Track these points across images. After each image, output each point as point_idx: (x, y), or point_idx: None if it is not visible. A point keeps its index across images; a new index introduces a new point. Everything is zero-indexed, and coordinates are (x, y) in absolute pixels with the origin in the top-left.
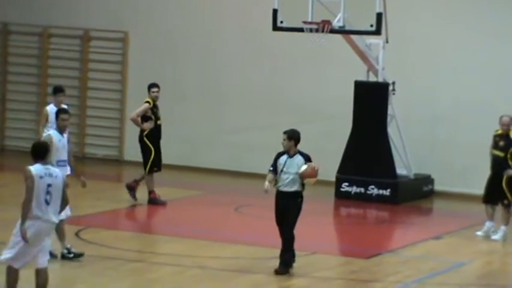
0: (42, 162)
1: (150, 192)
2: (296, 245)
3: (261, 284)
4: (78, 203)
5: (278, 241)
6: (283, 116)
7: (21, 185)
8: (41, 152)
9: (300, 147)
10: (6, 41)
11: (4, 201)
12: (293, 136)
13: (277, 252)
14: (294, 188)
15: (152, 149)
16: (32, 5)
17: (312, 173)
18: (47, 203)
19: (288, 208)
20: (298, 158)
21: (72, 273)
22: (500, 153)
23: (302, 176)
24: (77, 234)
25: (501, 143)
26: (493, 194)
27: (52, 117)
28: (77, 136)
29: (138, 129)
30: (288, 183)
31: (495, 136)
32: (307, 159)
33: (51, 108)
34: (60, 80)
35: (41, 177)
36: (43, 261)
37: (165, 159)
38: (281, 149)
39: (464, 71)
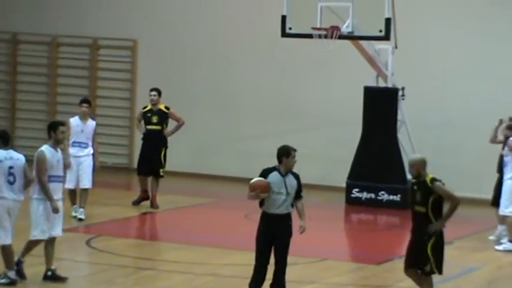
0: (3, 148)
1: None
2: (307, 251)
3: None
4: (88, 211)
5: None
6: (292, 123)
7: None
8: (3, 138)
9: (309, 154)
10: (16, 51)
11: None
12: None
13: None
14: (287, 210)
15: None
16: (41, 15)
17: (266, 187)
18: (10, 183)
19: (283, 233)
20: (291, 178)
21: (83, 282)
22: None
23: (256, 187)
24: (87, 242)
25: None
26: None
27: (74, 129)
28: None
29: None
30: (280, 204)
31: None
32: (297, 178)
33: (74, 121)
34: (70, 89)
35: (0, 161)
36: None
37: (175, 166)
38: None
39: (473, 77)
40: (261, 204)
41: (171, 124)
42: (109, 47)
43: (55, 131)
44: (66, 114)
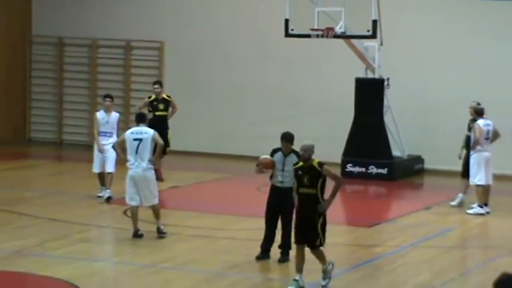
0: (136, 125)
1: None
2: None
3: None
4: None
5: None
6: (294, 109)
7: (76, 172)
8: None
9: (309, 135)
10: (62, 52)
11: (63, 186)
12: (292, 139)
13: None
14: (289, 184)
15: None
16: (82, 21)
17: (269, 164)
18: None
19: (285, 203)
20: (294, 157)
21: (123, 244)
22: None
23: (260, 164)
24: (124, 212)
25: (471, 125)
26: (467, 169)
27: (100, 121)
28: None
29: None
30: (281, 179)
31: (469, 121)
32: (299, 156)
33: (99, 114)
34: (107, 84)
35: (131, 133)
36: None
37: (197, 147)
38: (297, 137)
39: (449, 68)
40: (271, 178)
41: None
42: (140, 48)
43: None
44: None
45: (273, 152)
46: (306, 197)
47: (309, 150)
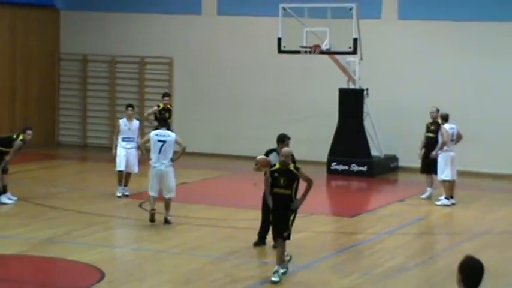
0: (160, 128)
1: None
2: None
3: None
4: (139, 183)
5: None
6: (286, 115)
7: (99, 171)
8: (159, 121)
9: (299, 137)
10: (85, 68)
11: (87, 183)
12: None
13: None
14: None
15: None
16: (103, 40)
17: (266, 163)
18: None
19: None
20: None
21: (137, 231)
22: (432, 135)
23: (258, 163)
24: (140, 205)
25: (432, 127)
26: (426, 166)
27: (122, 128)
28: None
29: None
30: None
31: (427, 124)
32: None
33: (122, 121)
34: (124, 94)
35: (156, 135)
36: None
37: (201, 149)
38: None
39: (419, 79)
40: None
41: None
42: (152, 63)
43: None
44: (122, 113)
45: (268, 153)
46: (282, 197)
47: (289, 156)
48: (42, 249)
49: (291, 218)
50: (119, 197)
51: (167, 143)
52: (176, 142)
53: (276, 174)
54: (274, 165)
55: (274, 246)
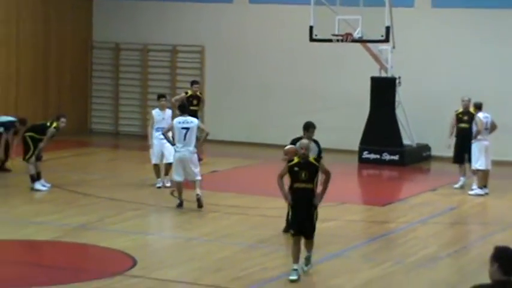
0: (181, 115)
1: None
2: (330, 197)
3: None
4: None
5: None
6: (318, 103)
7: (131, 158)
8: (180, 108)
9: (331, 126)
10: (118, 56)
11: (119, 170)
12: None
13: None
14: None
15: None
16: (135, 29)
17: (295, 152)
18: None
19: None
20: (313, 144)
21: (169, 219)
22: (465, 125)
23: (288, 153)
24: (171, 193)
25: (465, 118)
26: (460, 156)
27: (156, 118)
28: None
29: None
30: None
31: (458, 114)
32: (318, 144)
33: (155, 112)
34: (156, 83)
35: (179, 122)
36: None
37: (232, 137)
38: (320, 128)
39: (451, 68)
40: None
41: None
42: (184, 51)
43: None
44: (154, 101)
45: (294, 141)
46: (304, 192)
47: (308, 147)
48: (75, 235)
49: (316, 214)
50: (159, 187)
51: (190, 130)
52: (199, 128)
53: (296, 169)
54: (293, 159)
55: (286, 231)
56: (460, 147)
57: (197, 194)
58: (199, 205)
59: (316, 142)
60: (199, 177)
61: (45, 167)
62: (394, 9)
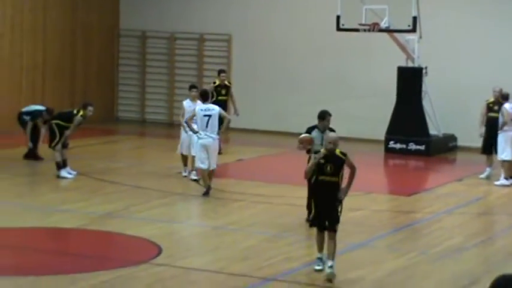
0: (203, 102)
1: None
2: (356, 187)
3: None
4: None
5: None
6: (344, 92)
7: (157, 146)
8: (202, 96)
9: (357, 116)
10: (145, 44)
11: (145, 158)
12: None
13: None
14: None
15: None
16: (162, 16)
17: (311, 141)
18: (206, 127)
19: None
20: (328, 133)
21: (195, 207)
22: (495, 115)
23: (304, 141)
24: (197, 181)
25: (495, 107)
26: (488, 147)
27: (187, 109)
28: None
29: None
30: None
31: (489, 103)
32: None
33: (186, 103)
34: (183, 71)
35: (201, 110)
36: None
37: (259, 126)
38: (342, 118)
39: (479, 57)
40: (308, 152)
41: None
42: (211, 40)
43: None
44: (181, 90)
45: (309, 130)
46: (329, 185)
47: (336, 141)
48: (101, 223)
49: (340, 208)
50: (185, 176)
51: (212, 117)
52: (220, 115)
53: (322, 161)
54: (319, 151)
55: (308, 221)
56: (488, 137)
57: (209, 185)
58: (207, 192)
59: (332, 130)
60: (215, 166)
61: (72, 154)
62: None
